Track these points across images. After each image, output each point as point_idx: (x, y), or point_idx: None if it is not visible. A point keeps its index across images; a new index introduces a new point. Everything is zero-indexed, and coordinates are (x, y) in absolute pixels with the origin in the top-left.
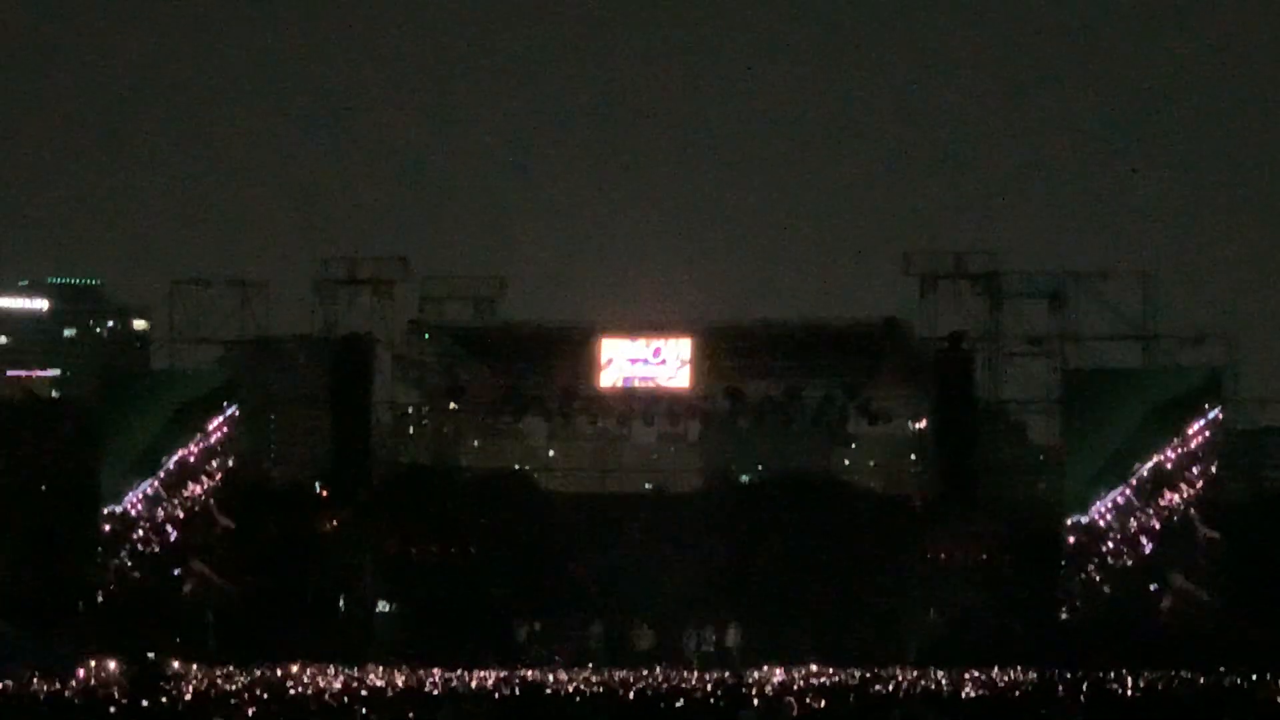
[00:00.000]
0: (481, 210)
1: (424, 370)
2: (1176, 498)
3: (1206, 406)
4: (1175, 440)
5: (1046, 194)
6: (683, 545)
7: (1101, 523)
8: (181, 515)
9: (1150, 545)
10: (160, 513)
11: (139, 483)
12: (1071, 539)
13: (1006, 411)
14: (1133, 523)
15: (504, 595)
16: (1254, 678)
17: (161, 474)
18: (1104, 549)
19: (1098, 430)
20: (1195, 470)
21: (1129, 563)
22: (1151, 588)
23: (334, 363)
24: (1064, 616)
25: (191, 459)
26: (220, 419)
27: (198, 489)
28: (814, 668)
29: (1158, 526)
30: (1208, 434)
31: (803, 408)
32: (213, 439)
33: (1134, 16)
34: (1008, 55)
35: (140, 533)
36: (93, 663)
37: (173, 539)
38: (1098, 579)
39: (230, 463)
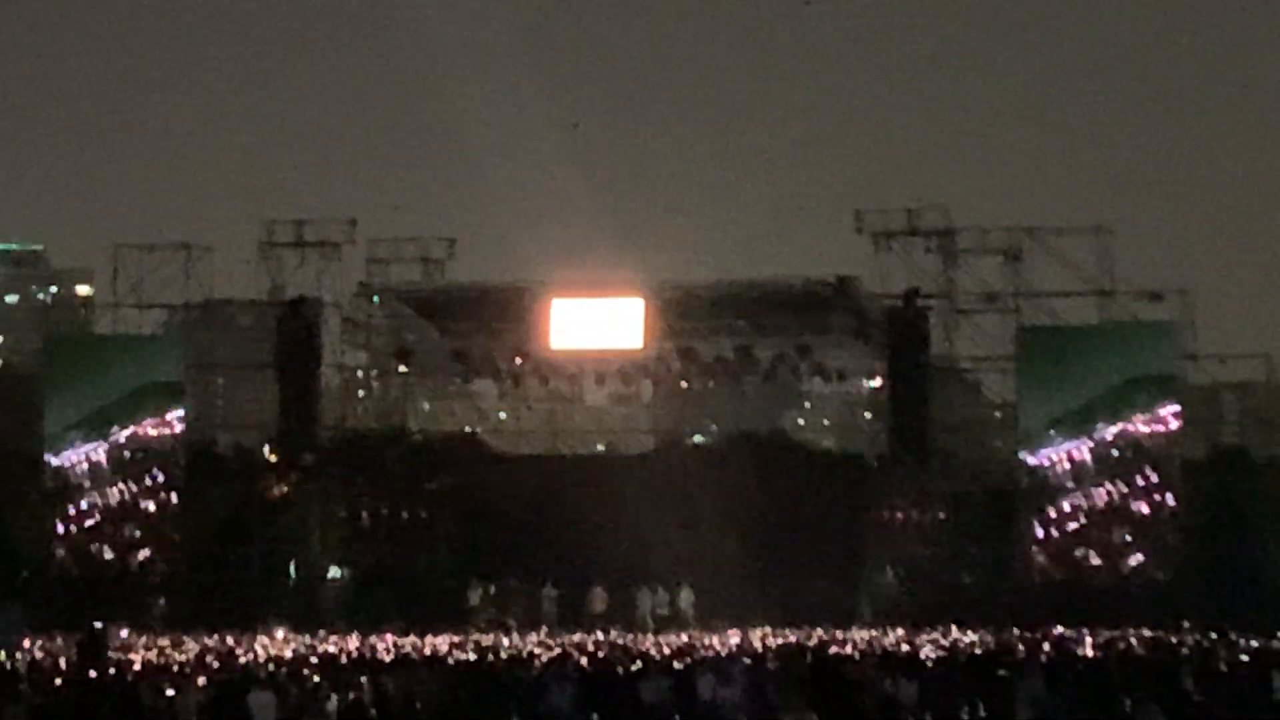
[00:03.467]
0: (430, 171)
1: (372, 333)
2: (1150, 472)
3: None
4: (1146, 416)
5: (1001, 149)
6: (635, 506)
7: (1053, 471)
8: (130, 485)
9: (1110, 508)
10: (107, 481)
11: (82, 444)
12: (1024, 483)
13: (961, 369)
14: (1101, 493)
15: (455, 559)
16: (1213, 636)
17: (109, 442)
18: (1060, 509)
19: (1053, 387)
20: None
21: (1086, 521)
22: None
23: (280, 326)
24: (1020, 575)
25: (147, 437)
26: (182, 411)
27: (150, 462)
28: (769, 629)
29: (1126, 490)
30: (1179, 421)
31: (755, 367)
32: (176, 428)
33: None
34: (962, 8)
35: (85, 504)
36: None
37: (118, 506)
38: (1054, 535)
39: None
